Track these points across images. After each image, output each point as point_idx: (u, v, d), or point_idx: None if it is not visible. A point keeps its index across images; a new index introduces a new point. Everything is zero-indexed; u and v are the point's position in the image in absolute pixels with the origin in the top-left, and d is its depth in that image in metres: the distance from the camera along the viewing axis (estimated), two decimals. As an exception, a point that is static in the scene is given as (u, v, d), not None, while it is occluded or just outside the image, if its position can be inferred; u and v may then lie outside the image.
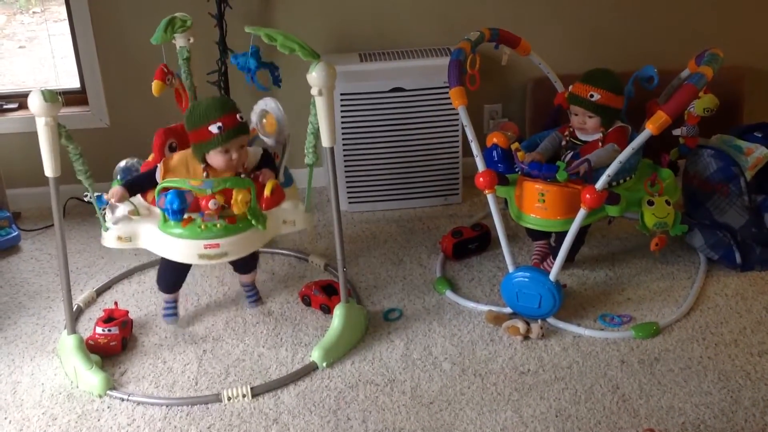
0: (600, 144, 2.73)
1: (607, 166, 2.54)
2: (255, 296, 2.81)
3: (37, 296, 2.94)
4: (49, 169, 2.34)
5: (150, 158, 2.60)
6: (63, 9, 3.39)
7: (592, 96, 2.69)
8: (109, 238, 2.43)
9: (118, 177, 2.58)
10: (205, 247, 2.34)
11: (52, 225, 3.26)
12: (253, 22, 3.12)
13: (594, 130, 2.75)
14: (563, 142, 2.82)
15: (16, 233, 3.25)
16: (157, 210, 2.40)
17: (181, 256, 2.41)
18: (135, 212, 2.43)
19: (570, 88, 2.77)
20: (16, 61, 4.07)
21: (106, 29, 3.29)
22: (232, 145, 2.37)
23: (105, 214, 2.43)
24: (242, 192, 2.33)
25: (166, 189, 2.34)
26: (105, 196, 2.41)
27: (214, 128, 2.34)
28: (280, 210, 2.47)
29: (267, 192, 2.39)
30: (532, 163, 2.64)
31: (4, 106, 3.46)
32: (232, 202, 2.33)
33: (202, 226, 2.33)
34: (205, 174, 2.41)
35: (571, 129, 2.81)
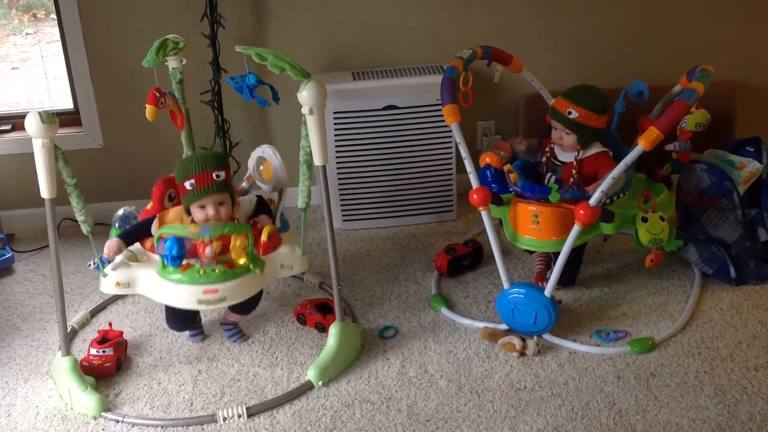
0: (573, 164, 2.72)
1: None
2: (237, 335, 2.75)
3: (31, 318, 2.93)
4: (45, 191, 2.34)
5: (149, 206, 2.61)
6: (56, 30, 3.40)
7: (570, 113, 2.67)
8: (108, 284, 2.43)
9: (116, 225, 2.59)
10: (204, 293, 2.34)
11: (46, 246, 3.28)
12: (246, 42, 3.14)
13: (570, 148, 2.73)
14: (543, 158, 2.81)
15: (10, 255, 3.25)
16: (156, 257, 2.40)
17: (180, 302, 2.40)
18: (133, 258, 2.43)
19: (552, 102, 2.77)
20: (9, 82, 4.07)
21: (99, 50, 3.30)
22: (206, 201, 2.38)
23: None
24: (240, 238, 2.34)
25: (165, 235, 2.35)
26: (105, 253, 2.41)
27: (188, 185, 2.37)
28: (278, 255, 2.47)
29: (264, 237, 2.39)
30: (525, 185, 2.64)
31: (-2, 128, 3.46)
32: (231, 248, 2.34)
33: (201, 272, 2.33)
34: (201, 225, 2.42)
35: (552, 145, 2.80)
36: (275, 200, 2.65)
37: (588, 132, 2.70)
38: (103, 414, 2.41)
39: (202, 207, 2.39)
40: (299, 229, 2.58)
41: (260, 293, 2.64)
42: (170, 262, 2.34)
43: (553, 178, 2.76)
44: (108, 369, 2.57)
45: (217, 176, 2.38)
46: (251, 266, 2.36)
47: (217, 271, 2.34)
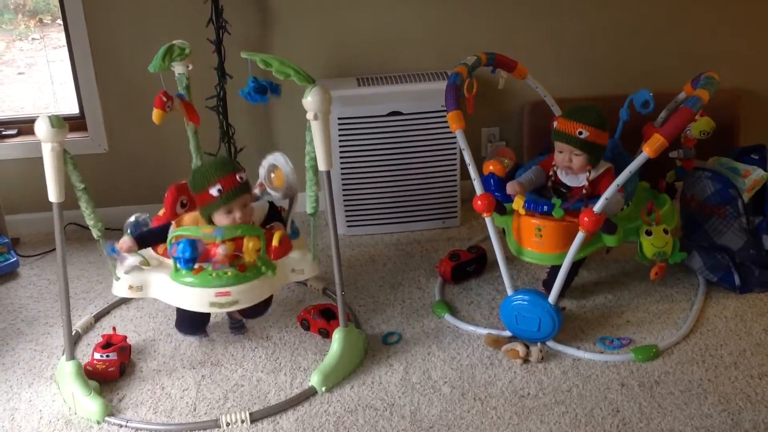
0: (586, 186, 2.66)
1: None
2: (239, 329, 2.79)
3: (36, 322, 2.93)
4: (53, 195, 2.34)
5: (161, 213, 2.62)
6: (62, 35, 3.41)
7: (581, 133, 2.60)
8: (120, 288, 2.45)
9: (128, 231, 2.60)
10: (217, 296, 2.36)
11: (51, 251, 3.29)
12: (251, 47, 3.15)
13: (580, 169, 2.66)
14: (548, 183, 2.75)
15: (15, 259, 3.25)
16: (168, 261, 2.42)
17: (192, 305, 2.42)
18: (145, 263, 2.44)
19: (555, 125, 2.69)
20: (15, 87, 4.08)
21: (105, 55, 3.31)
22: (234, 205, 2.40)
23: (115, 263, 2.44)
24: (253, 240, 2.35)
25: (178, 238, 2.35)
26: (116, 245, 2.43)
27: (214, 191, 2.37)
28: (289, 259, 2.49)
29: (275, 242, 2.40)
30: (528, 201, 2.61)
31: (4, 132, 3.46)
32: (244, 249, 2.35)
33: (213, 275, 2.34)
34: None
35: (555, 169, 2.74)
36: (285, 208, 2.66)
37: (598, 150, 2.65)
38: (106, 418, 2.42)
39: (229, 211, 2.40)
40: (308, 235, 2.59)
41: (270, 298, 2.65)
42: (183, 264, 2.35)
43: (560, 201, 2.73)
44: (112, 373, 2.57)
45: (240, 178, 2.40)
46: (263, 269, 2.37)
47: (229, 273, 2.35)
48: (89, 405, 2.43)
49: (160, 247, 2.50)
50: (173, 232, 2.40)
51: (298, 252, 2.52)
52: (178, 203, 2.59)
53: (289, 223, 2.61)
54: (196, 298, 2.38)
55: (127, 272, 2.42)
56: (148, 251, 2.50)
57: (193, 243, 2.33)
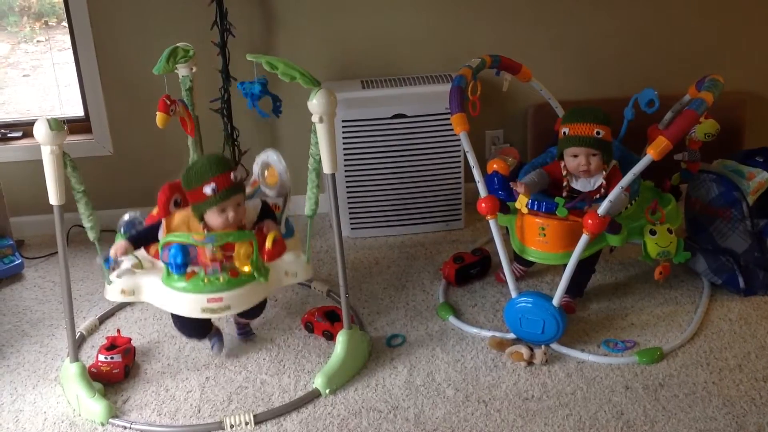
0: (603, 185, 2.66)
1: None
2: (245, 334, 2.78)
3: (40, 324, 2.94)
4: (53, 197, 2.35)
5: (154, 212, 2.61)
6: (67, 38, 3.42)
7: (598, 133, 2.62)
8: (113, 292, 2.44)
9: (121, 230, 2.59)
10: (208, 301, 2.35)
11: (56, 253, 3.27)
12: (255, 50, 3.16)
13: (597, 170, 2.67)
14: (564, 194, 2.72)
15: (20, 261, 3.26)
16: (161, 264, 2.41)
17: (184, 310, 2.41)
18: (139, 265, 2.44)
19: (566, 131, 2.68)
20: (20, 89, 4.10)
21: (110, 57, 3.32)
22: (228, 204, 2.37)
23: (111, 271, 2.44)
24: (244, 246, 2.34)
25: (169, 243, 2.35)
26: (111, 253, 2.42)
27: (208, 189, 2.34)
28: (282, 262, 2.47)
29: (268, 244, 2.38)
30: (532, 200, 2.61)
31: (9, 135, 3.47)
32: (234, 256, 2.34)
33: (205, 280, 2.34)
34: (205, 232, 2.41)
35: (568, 178, 2.72)
36: (280, 205, 2.65)
37: (610, 147, 2.68)
38: (110, 420, 2.42)
39: (222, 210, 2.38)
40: (305, 237, 2.59)
41: (265, 299, 2.64)
42: (175, 269, 2.34)
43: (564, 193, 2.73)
44: (116, 375, 2.58)
45: (235, 177, 2.38)
46: (255, 275, 2.36)
47: (221, 279, 2.34)
48: (93, 407, 2.43)
49: (153, 249, 2.49)
50: (164, 237, 2.38)
51: (291, 254, 2.49)
52: (171, 202, 2.57)
53: (284, 221, 2.60)
54: (188, 303, 2.37)
55: (119, 276, 2.41)
56: (141, 253, 2.49)
57: (184, 248, 2.32)
